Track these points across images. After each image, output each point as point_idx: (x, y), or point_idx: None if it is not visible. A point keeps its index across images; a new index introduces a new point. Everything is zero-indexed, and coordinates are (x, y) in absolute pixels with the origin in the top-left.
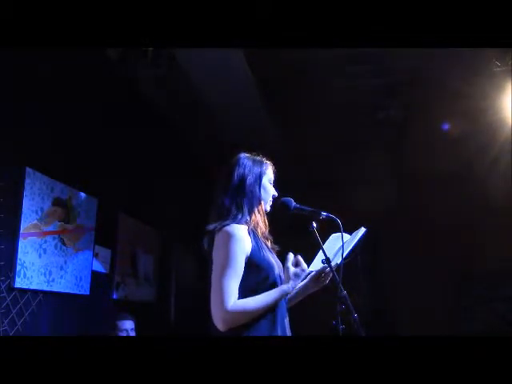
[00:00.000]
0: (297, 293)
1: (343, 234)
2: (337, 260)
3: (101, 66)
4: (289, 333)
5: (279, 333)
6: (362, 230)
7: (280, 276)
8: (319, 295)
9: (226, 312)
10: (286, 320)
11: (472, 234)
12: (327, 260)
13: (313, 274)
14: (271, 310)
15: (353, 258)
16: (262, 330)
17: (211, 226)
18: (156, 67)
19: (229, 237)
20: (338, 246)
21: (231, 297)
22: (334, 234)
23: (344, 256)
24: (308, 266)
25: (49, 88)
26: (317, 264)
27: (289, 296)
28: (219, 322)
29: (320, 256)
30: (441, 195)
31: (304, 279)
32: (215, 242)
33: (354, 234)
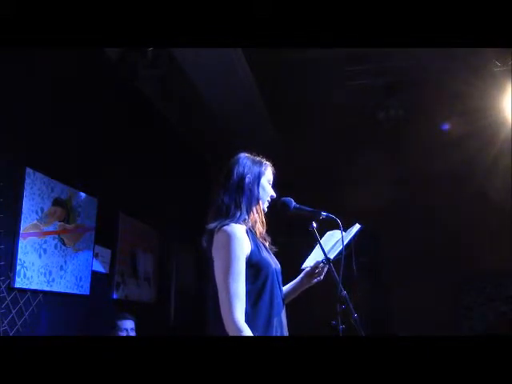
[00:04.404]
0: (293, 288)
1: (338, 231)
2: (331, 255)
3: (101, 66)
4: (285, 325)
5: (275, 325)
6: (357, 226)
7: (278, 276)
8: (319, 295)
9: (232, 322)
10: (283, 314)
11: (472, 234)
12: (328, 261)
13: (307, 269)
14: (268, 302)
15: (348, 255)
16: (258, 321)
17: (211, 226)
18: (156, 67)
19: (229, 237)
20: (332, 242)
21: (238, 299)
22: (329, 232)
23: (338, 251)
24: (303, 263)
25: (49, 88)
26: (312, 260)
27: (285, 291)
28: (226, 324)
29: (315, 252)
30: (441, 195)
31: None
32: (215, 242)
33: (348, 230)
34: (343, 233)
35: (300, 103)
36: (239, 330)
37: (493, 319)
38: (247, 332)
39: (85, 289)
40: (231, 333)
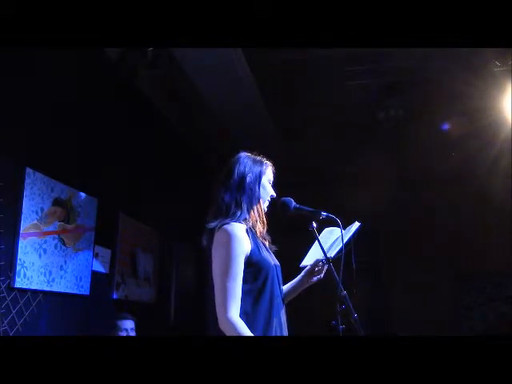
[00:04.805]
0: (293, 287)
1: (337, 228)
2: (330, 254)
3: (101, 66)
4: (285, 326)
5: (275, 325)
6: (356, 224)
7: (278, 276)
8: (319, 295)
9: (226, 319)
10: (282, 314)
11: (472, 234)
12: (328, 260)
13: (307, 268)
14: (267, 302)
15: (347, 253)
16: (257, 321)
17: (211, 225)
18: (156, 67)
19: (229, 236)
20: (331, 240)
21: (234, 298)
22: (327, 229)
23: (338, 249)
24: (302, 261)
25: (49, 88)
26: (310, 258)
27: (285, 291)
28: (220, 323)
29: (313, 250)
30: (441, 195)
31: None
32: (215, 241)
33: (348, 228)
34: (343, 231)
35: (300, 103)
36: (234, 326)
37: (493, 319)
38: (242, 328)
39: (85, 289)
40: (226, 330)
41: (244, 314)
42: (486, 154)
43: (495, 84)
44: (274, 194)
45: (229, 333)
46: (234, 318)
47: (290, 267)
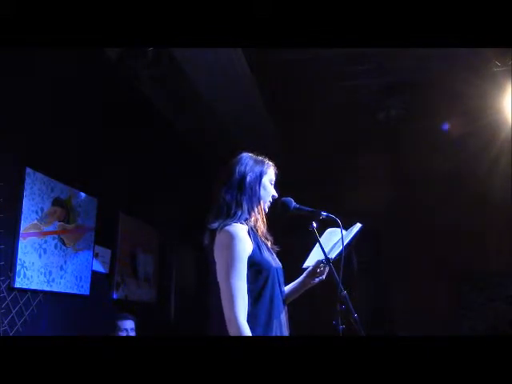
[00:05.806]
0: (294, 288)
1: (338, 229)
2: (332, 255)
3: (101, 66)
4: (285, 327)
5: (274, 326)
6: (358, 225)
7: (279, 277)
8: (319, 295)
9: (233, 321)
10: (283, 315)
11: (472, 234)
12: (328, 260)
13: (309, 269)
14: (267, 303)
15: (348, 254)
16: (257, 321)
17: (213, 225)
18: (156, 67)
19: (231, 237)
20: (333, 241)
21: (240, 299)
22: (329, 229)
23: (339, 251)
24: (303, 262)
25: (49, 88)
26: (312, 259)
27: (286, 292)
28: (227, 323)
29: (315, 251)
30: (441, 195)
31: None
32: (217, 242)
33: (349, 229)
34: (344, 232)
35: (300, 103)
36: (241, 329)
37: (493, 319)
38: (248, 332)
39: (85, 289)
40: (232, 331)
41: None
42: (485, 153)
43: (495, 84)
44: (276, 195)
45: (233, 334)
46: (241, 321)
47: (290, 267)
